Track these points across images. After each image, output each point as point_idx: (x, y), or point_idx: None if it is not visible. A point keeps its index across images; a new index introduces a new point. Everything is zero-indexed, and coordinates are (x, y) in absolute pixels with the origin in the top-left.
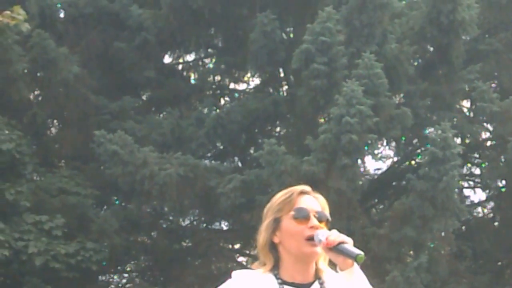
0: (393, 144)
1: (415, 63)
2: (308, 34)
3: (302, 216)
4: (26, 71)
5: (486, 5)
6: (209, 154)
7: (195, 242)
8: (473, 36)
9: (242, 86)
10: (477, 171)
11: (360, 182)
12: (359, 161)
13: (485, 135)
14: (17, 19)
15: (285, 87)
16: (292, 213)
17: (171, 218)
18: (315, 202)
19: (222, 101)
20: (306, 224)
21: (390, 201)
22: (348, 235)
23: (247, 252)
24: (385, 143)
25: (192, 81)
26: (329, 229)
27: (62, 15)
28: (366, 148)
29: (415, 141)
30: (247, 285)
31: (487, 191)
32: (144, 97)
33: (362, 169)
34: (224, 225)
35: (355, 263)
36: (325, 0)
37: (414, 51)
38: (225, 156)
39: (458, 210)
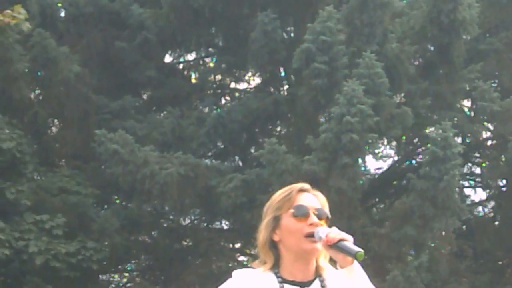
0: (394, 143)
1: (416, 63)
2: (309, 34)
3: (301, 214)
4: (26, 70)
5: (487, 5)
6: (209, 154)
7: (195, 242)
8: (473, 36)
9: (242, 86)
10: (477, 170)
11: (361, 182)
12: (360, 160)
13: (485, 134)
14: (18, 18)
15: (286, 87)
16: (292, 210)
17: (171, 217)
18: (314, 200)
19: (223, 101)
20: (306, 221)
21: (391, 201)
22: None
23: (248, 251)
24: (385, 143)
25: (193, 81)
26: (329, 227)
27: (62, 14)
28: (366, 147)
29: (415, 140)
30: (248, 284)
31: (488, 190)
32: (144, 96)
33: (362, 168)
34: (225, 225)
35: (355, 261)
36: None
37: (415, 51)
38: (225, 156)
39: (459, 209)
